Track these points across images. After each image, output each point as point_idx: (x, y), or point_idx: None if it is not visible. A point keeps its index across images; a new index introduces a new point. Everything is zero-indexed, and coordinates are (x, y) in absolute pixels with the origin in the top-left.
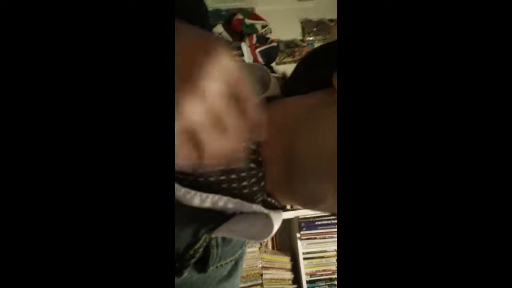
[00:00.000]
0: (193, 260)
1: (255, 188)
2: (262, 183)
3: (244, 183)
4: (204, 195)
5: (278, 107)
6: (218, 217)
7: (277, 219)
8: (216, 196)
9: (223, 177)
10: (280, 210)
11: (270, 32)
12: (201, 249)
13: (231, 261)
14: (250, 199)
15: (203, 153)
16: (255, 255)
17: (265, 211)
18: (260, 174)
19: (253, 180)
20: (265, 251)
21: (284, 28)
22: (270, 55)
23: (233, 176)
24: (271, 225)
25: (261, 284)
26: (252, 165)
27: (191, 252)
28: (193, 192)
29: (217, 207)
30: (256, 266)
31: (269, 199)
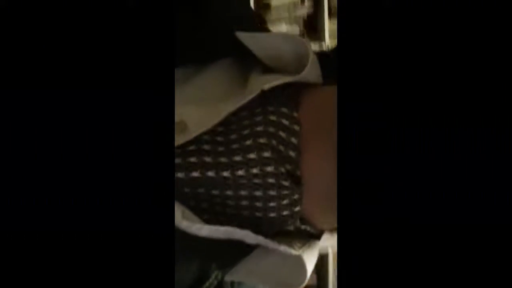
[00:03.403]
0: None
1: (286, 213)
2: (297, 208)
3: (272, 204)
4: (214, 228)
5: (321, 97)
6: (234, 248)
7: (311, 257)
8: (231, 229)
9: (244, 193)
10: (316, 241)
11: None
12: None
13: None
14: (277, 226)
15: None
16: None
17: (295, 253)
18: (296, 195)
19: (285, 201)
20: None
21: None
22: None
23: (257, 194)
24: (303, 269)
25: None
26: (285, 182)
27: None
28: (198, 224)
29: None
30: None
31: (302, 227)
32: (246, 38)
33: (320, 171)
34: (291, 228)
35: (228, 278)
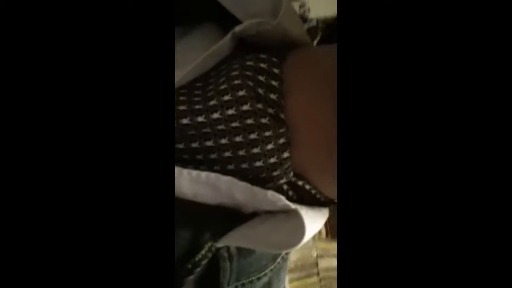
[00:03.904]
0: (191, 277)
1: (272, 160)
2: (285, 154)
3: (256, 151)
4: (195, 172)
5: (309, 53)
6: (230, 217)
7: (314, 218)
8: (212, 175)
9: (224, 141)
10: (321, 208)
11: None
12: (204, 262)
13: (258, 279)
14: (266, 177)
15: None
16: (309, 245)
17: (289, 204)
18: (281, 139)
19: (269, 146)
20: (318, 239)
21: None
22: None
23: (238, 139)
24: (301, 228)
25: (317, 273)
26: (264, 120)
27: (189, 265)
28: (176, 169)
29: (223, 200)
30: (311, 256)
31: (299, 183)
32: None
33: (309, 117)
34: (284, 180)
35: (221, 243)
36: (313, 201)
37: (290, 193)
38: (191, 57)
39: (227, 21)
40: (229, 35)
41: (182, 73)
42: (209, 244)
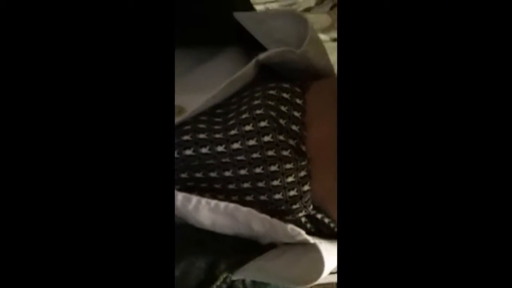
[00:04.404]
0: None
1: (292, 193)
2: (306, 187)
3: (276, 183)
4: (213, 202)
5: (332, 82)
6: (247, 248)
7: (333, 252)
8: (231, 205)
9: (243, 172)
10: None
11: None
12: None
13: None
14: (285, 210)
15: None
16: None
17: (309, 238)
18: (302, 172)
19: (289, 179)
20: None
21: None
22: None
23: (258, 171)
24: (320, 262)
25: None
26: (285, 152)
27: None
28: (195, 198)
29: (241, 230)
30: None
31: (319, 216)
32: (245, 18)
33: (330, 148)
34: (303, 213)
35: (237, 276)
36: (331, 234)
37: (308, 225)
38: (214, 82)
39: (251, 45)
40: (253, 62)
41: (203, 99)
42: (224, 275)
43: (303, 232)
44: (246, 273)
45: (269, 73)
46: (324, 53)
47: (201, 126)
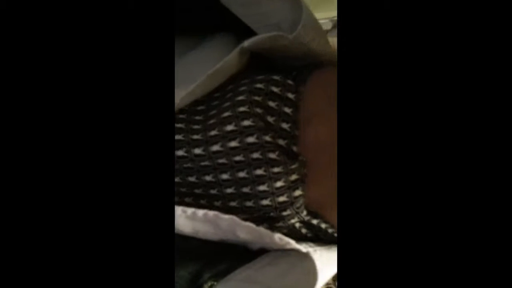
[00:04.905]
0: None
1: (282, 199)
2: (298, 192)
3: (263, 188)
4: (190, 210)
5: (333, 73)
6: (235, 254)
7: (330, 260)
8: (211, 213)
9: (226, 176)
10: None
11: None
12: None
13: None
14: (275, 217)
15: None
16: None
17: (300, 248)
18: (294, 176)
19: (278, 183)
20: None
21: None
22: None
23: (242, 175)
24: (313, 272)
25: None
26: (272, 155)
27: None
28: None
29: (228, 237)
30: None
31: (314, 222)
32: (233, 1)
33: (329, 150)
34: (295, 220)
35: (220, 286)
36: (330, 240)
37: (304, 230)
38: (197, 72)
39: (245, 31)
40: (236, 50)
41: (183, 93)
42: (209, 284)
43: (292, 242)
44: (232, 283)
45: (264, 64)
46: (322, 38)
47: (179, 126)
